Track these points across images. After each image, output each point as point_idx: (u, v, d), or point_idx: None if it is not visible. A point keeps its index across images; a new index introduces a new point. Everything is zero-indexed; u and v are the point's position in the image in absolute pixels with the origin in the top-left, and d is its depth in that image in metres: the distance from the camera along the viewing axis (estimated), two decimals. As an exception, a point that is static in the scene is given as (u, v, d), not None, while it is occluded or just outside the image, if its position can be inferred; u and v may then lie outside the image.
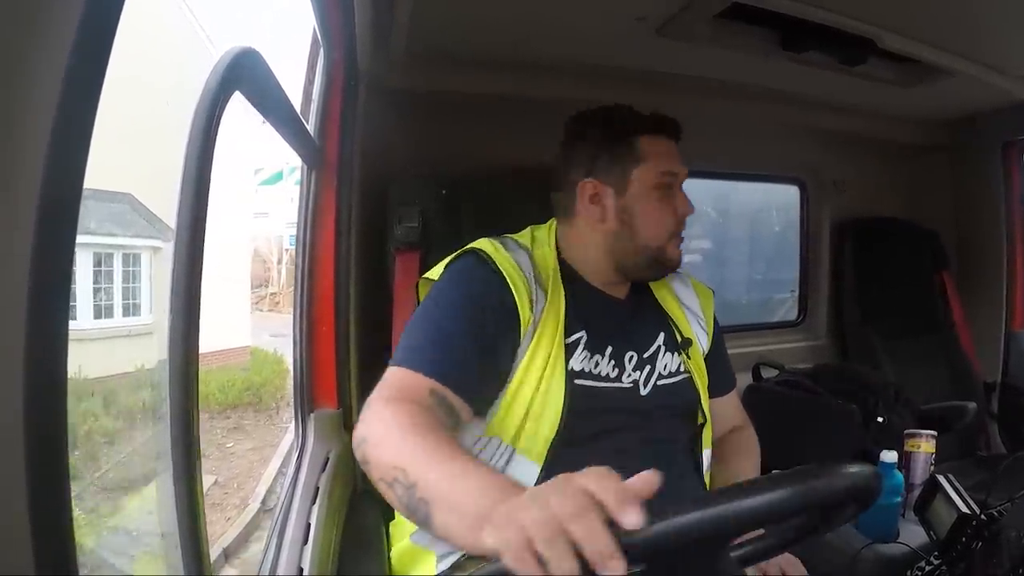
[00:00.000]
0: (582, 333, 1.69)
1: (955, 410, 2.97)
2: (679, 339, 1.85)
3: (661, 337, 1.82)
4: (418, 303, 1.72)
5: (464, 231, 2.27)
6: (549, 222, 1.89)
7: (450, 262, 1.69)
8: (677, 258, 1.80)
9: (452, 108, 2.65)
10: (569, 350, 1.65)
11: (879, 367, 3.36)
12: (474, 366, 1.52)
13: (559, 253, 1.81)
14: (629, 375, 1.72)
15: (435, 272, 1.71)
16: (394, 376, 1.46)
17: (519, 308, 1.60)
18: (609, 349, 1.71)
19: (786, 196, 3.87)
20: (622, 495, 0.88)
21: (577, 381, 1.63)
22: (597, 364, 1.69)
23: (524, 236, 1.84)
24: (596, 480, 0.91)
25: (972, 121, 3.51)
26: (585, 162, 1.77)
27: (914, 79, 2.81)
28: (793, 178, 3.76)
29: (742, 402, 2.06)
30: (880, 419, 2.65)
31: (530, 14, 2.21)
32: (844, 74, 2.66)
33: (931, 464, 2.46)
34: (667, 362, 1.80)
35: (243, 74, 1.23)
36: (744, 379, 3.01)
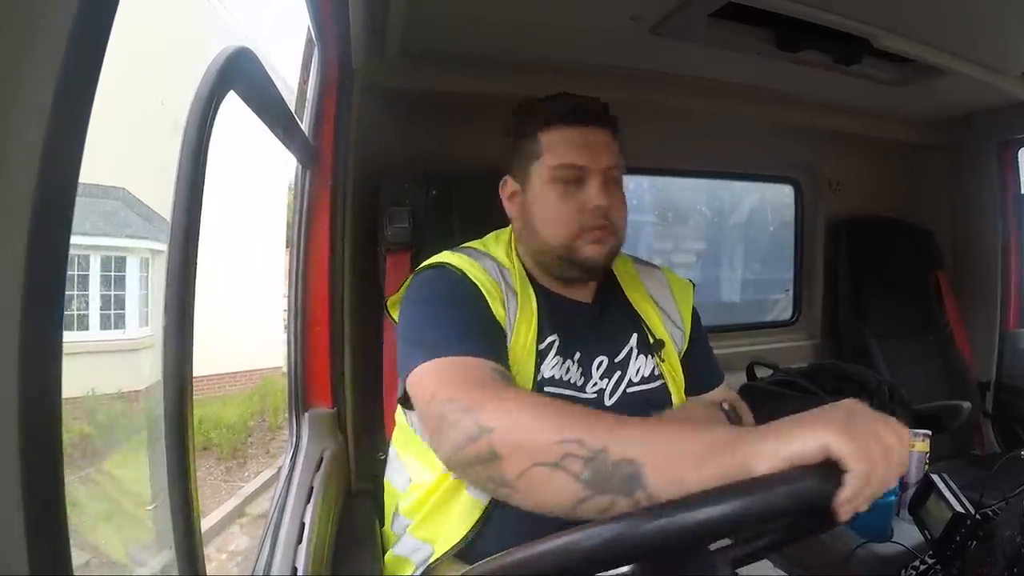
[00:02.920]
0: (555, 337, 1.65)
1: (949, 409, 2.97)
2: (651, 340, 1.78)
3: (634, 339, 1.77)
4: (393, 321, 1.72)
5: (454, 231, 2.28)
6: (510, 225, 1.84)
7: (417, 273, 1.67)
8: (595, 255, 1.64)
9: (445, 107, 2.65)
10: (541, 355, 1.62)
11: (874, 366, 3.36)
12: (502, 341, 1.55)
13: (519, 257, 1.77)
14: (595, 384, 1.67)
15: (401, 292, 1.69)
16: (447, 365, 1.39)
17: (495, 313, 1.58)
18: (578, 355, 1.67)
19: (781, 195, 3.87)
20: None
21: (547, 388, 1.59)
22: (568, 371, 1.65)
23: (486, 242, 1.81)
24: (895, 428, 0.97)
25: (967, 120, 3.52)
26: (507, 158, 1.75)
27: (909, 78, 2.82)
28: (788, 177, 3.77)
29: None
30: (875, 418, 2.64)
31: (524, 13, 2.21)
32: (839, 73, 2.67)
33: (925, 463, 2.46)
34: (640, 366, 1.74)
35: (238, 74, 1.23)
36: (739, 378, 3.02)
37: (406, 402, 1.54)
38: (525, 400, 1.25)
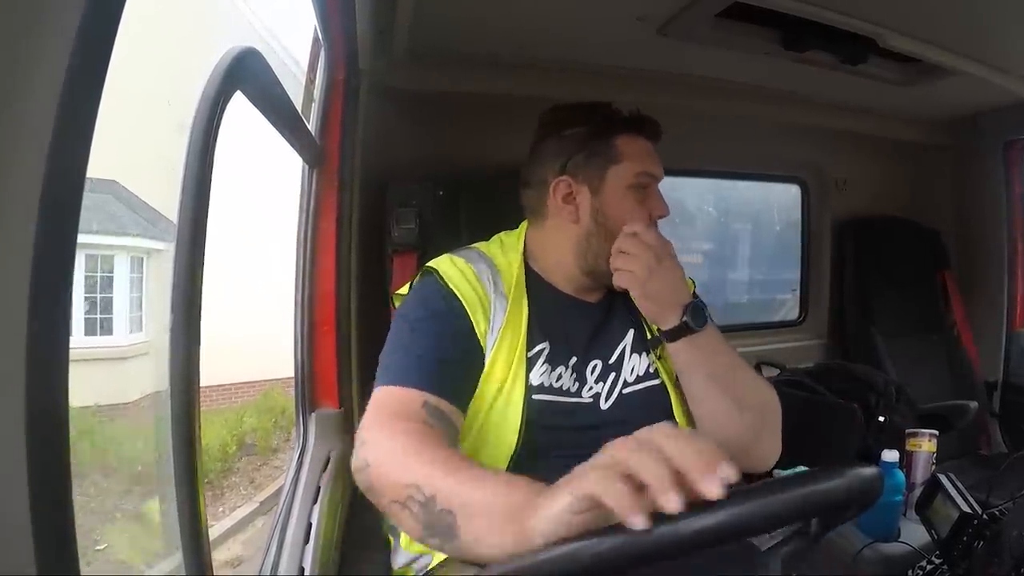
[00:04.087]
0: (544, 345, 1.64)
1: (956, 409, 2.97)
2: (649, 336, 1.77)
3: (630, 335, 1.76)
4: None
5: (462, 232, 2.27)
6: (520, 226, 1.85)
7: (414, 281, 1.71)
8: None
9: (452, 108, 2.65)
10: (531, 363, 1.62)
11: (880, 366, 3.35)
12: (457, 370, 1.54)
13: (527, 259, 1.77)
14: (590, 388, 1.67)
15: (405, 289, 1.73)
16: (384, 395, 1.47)
17: (474, 325, 1.59)
18: (573, 360, 1.67)
19: (787, 195, 3.87)
20: (706, 457, 0.86)
21: (535, 396, 1.59)
22: (559, 377, 1.64)
23: (492, 244, 1.81)
24: (665, 439, 0.89)
25: (973, 120, 3.52)
26: (559, 159, 1.73)
27: (915, 78, 2.82)
28: (794, 177, 3.77)
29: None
30: (881, 418, 2.65)
31: (531, 14, 2.21)
32: (845, 73, 2.67)
33: (932, 463, 2.46)
34: (634, 365, 1.73)
35: (244, 74, 1.23)
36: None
37: None
38: (398, 440, 1.31)
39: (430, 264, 1.68)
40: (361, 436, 1.37)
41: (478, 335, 1.59)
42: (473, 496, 1.09)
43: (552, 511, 0.91)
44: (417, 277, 1.70)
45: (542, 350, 1.64)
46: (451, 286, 1.61)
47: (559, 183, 1.71)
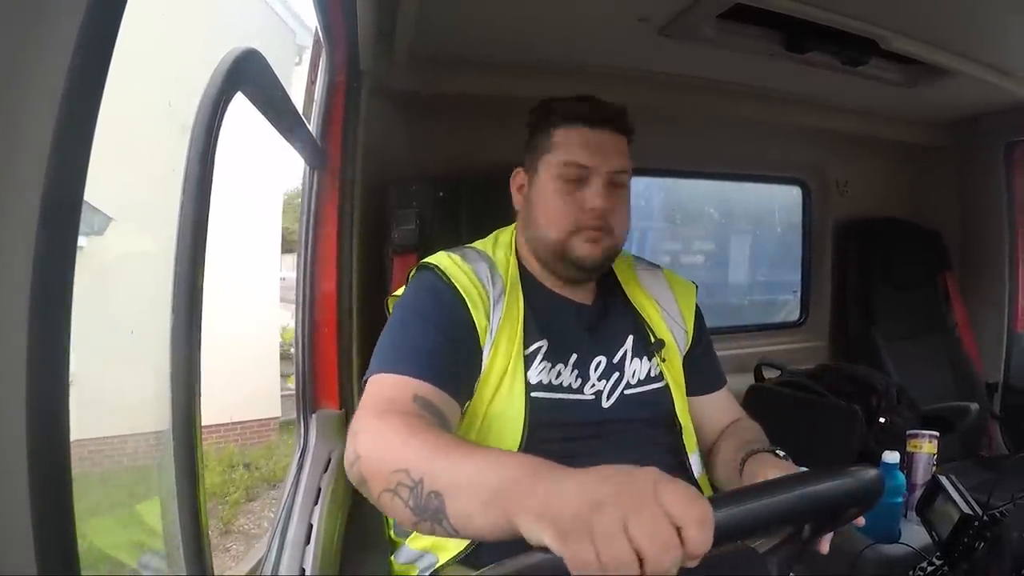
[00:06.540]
0: (542, 342, 1.65)
1: (957, 411, 2.97)
2: (652, 340, 1.78)
3: (630, 341, 1.76)
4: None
5: (462, 233, 2.28)
6: (514, 223, 1.86)
7: (411, 276, 1.70)
8: (587, 255, 1.66)
9: (453, 109, 2.66)
10: (528, 361, 1.62)
11: (881, 368, 3.36)
12: (453, 358, 1.52)
13: (519, 255, 1.79)
14: (593, 385, 1.67)
15: (400, 292, 1.71)
16: (375, 385, 1.44)
17: (475, 321, 1.58)
18: (573, 357, 1.67)
19: (789, 197, 3.87)
20: (703, 542, 0.81)
21: (535, 394, 1.59)
22: (559, 375, 1.64)
23: (487, 242, 1.82)
24: (685, 508, 0.82)
25: (975, 122, 3.52)
26: (523, 151, 1.77)
27: (917, 80, 2.82)
28: (796, 179, 3.77)
29: (744, 403, 2.02)
30: (882, 420, 2.64)
31: (533, 15, 2.21)
32: (847, 75, 2.67)
33: (933, 465, 2.45)
34: (636, 368, 1.73)
35: (246, 75, 1.23)
36: (746, 380, 3.01)
37: None
38: (389, 428, 1.26)
39: (427, 260, 1.68)
40: (352, 428, 1.34)
41: (477, 330, 1.59)
42: (460, 475, 1.05)
43: (528, 527, 0.88)
44: (413, 272, 1.70)
45: (540, 347, 1.64)
46: (451, 280, 1.61)
47: (515, 173, 1.78)
